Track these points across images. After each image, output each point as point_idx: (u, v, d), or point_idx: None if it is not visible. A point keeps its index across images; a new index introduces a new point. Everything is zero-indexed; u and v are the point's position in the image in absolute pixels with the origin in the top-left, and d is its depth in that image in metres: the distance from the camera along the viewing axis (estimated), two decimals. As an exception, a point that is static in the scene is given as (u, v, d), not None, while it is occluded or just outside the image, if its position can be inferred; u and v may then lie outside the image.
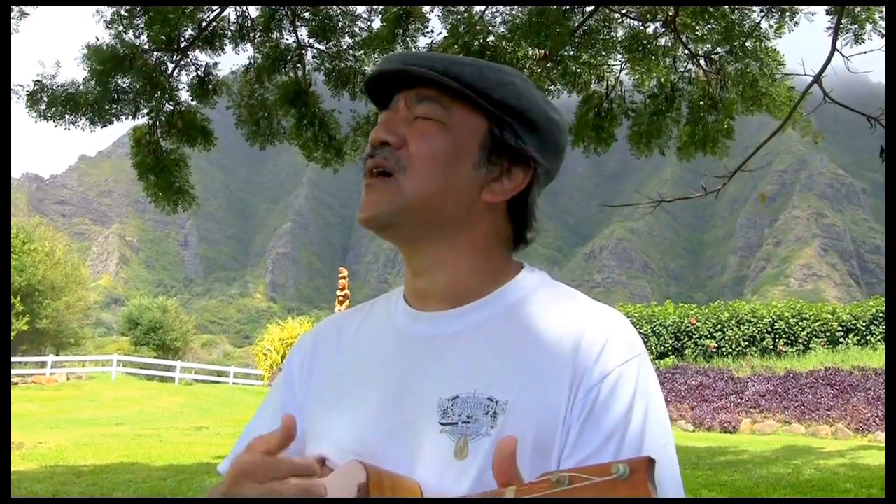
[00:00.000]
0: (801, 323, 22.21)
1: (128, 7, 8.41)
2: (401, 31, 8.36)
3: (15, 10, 7.73)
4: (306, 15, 9.03)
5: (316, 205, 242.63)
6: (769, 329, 22.41)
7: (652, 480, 0.69)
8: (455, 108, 1.14)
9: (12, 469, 10.29)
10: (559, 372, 1.06)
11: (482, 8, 8.58)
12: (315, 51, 9.30)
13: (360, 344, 1.22)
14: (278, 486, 0.95)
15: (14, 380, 29.17)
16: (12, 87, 7.99)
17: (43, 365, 34.27)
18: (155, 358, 40.41)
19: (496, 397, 1.06)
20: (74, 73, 8.48)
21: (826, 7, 7.69)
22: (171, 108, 9.07)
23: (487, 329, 1.13)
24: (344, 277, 30.60)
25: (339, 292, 30.18)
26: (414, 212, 1.12)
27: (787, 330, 22.26)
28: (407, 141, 1.13)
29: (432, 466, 1.06)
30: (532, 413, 1.04)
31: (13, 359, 33.46)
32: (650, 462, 0.70)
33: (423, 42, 8.55)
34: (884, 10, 7.38)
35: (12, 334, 36.79)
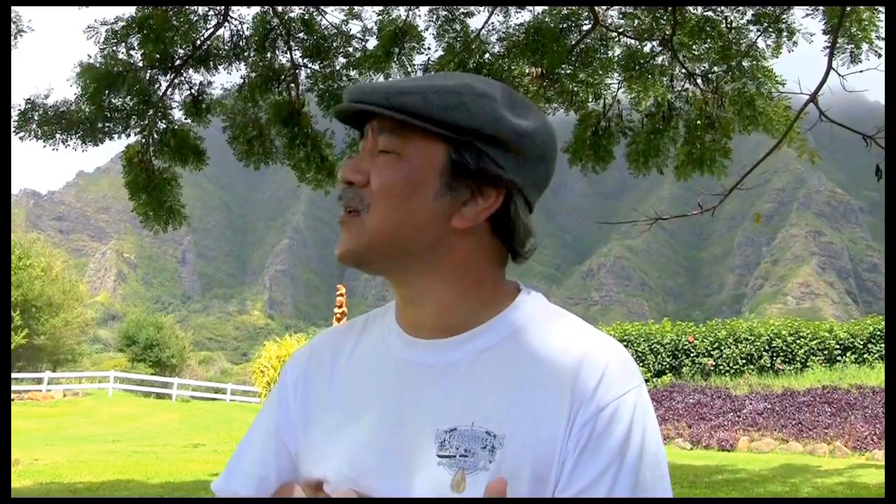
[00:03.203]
0: (798, 341, 22.22)
1: (122, 25, 8.42)
2: (396, 51, 8.37)
3: (13, 25, 7.75)
4: (301, 35, 9.05)
5: (314, 222, 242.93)
6: (767, 347, 22.41)
7: None
8: (412, 137, 1.11)
9: (8, 486, 10.25)
10: (557, 405, 1.06)
11: (478, 25, 8.61)
12: (308, 70, 9.31)
13: (354, 367, 1.21)
14: None
15: (10, 396, 29.10)
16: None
17: (39, 381, 34.13)
18: (152, 375, 40.35)
19: (494, 431, 1.05)
20: (66, 92, 8.35)
21: (823, 27, 7.73)
22: (164, 126, 9.06)
23: (485, 359, 1.11)
24: (342, 294, 30.53)
25: (336, 309, 30.11)
26: (379, 247, 1.12)
27: (784, 348, 22.26)
28: (370, 178, 1.12)
29: (429, 497, 1.06)
30: (530, 447, 1.04)
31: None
32: None
33: (418, 60, 8.57)
34: (882, 30, 7.43)
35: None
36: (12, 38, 7.77)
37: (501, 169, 1.11)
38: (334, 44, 9.06)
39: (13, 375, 34.08)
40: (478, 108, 1.10)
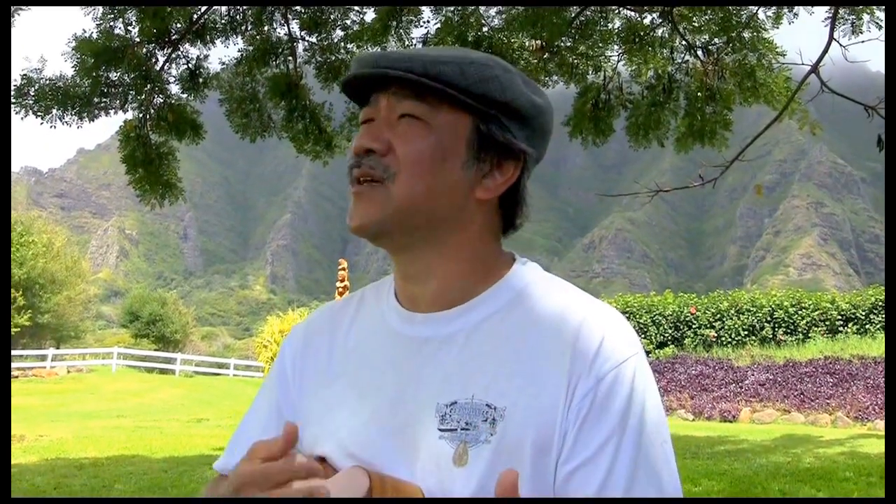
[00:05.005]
0: (800, 312, 22.23)
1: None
2: (394, 23, 8.32)
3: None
4: (298, 7, 8.98)
5: (315, 196, 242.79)
6: (768, 318, 22.43)
7: None
8: (441, 107, 1.11)
9: (13, 462, 10.32)
10: (555, 375, 1.05)
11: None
12: (306, 43, 9.27)
13: (353, 343, 1.21)
14: (281, 491, 0.95)
15: (15, 373, 29.20)
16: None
17: (43, 358, 34.28)
18: (155, 350, 40.52)
19: (494, 403, 1.05)
20: (61, 67, 8.29)
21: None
22: (161, 101, 9.02)
23: (482, 331, 1.11)
24: (343, 269, 30.52)
25: (338, 284, 30.12)
26: (406, 217, 1.10)
27: (786, 319, 22.28)
28: (392, 146, 1.11)
29: (431, 472, 1.06)
30: (531, 418, 1.04)
31: (14, 352, 33.45)
32: None
33: (416, 34, 8.51)
34: (883, 8, 7.37)
35: (14, 330, 36.75)
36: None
37: (524, 142, 1.14)
38: (332, 16, 9.01)
39: (17, 353, 34.22)
40: (508, 82, 1.13)
